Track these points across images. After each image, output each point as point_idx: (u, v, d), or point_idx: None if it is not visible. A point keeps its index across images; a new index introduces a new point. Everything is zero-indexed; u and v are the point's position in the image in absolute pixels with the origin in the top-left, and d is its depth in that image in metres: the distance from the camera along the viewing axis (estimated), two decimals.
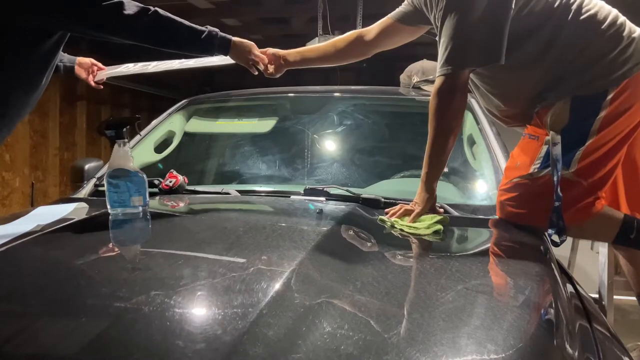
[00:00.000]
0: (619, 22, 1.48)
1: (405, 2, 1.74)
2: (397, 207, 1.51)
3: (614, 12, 1.50)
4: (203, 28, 1.72)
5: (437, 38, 1.53)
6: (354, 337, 0.74)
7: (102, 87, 2.13)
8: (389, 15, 1.80)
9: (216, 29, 1.74)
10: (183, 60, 2.16)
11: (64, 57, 2.04)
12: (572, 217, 1.48)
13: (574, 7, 1.47)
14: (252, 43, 1.85)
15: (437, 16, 1.52)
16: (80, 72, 2.09)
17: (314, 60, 1.92)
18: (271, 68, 1.90)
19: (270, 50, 1.91)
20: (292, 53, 1.91)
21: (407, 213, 1.47)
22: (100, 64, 2.13)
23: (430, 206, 1.49)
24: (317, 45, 1.97)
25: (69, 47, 2.00)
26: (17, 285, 0.96)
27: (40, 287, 0.92)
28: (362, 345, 0.72)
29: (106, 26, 1.60)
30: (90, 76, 2.10)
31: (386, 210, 1.52)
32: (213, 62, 2.06)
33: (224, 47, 1.76)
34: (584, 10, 1.47)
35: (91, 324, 0.78)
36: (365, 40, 1.83)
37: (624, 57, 1.44)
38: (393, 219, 1.44)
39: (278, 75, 1.92)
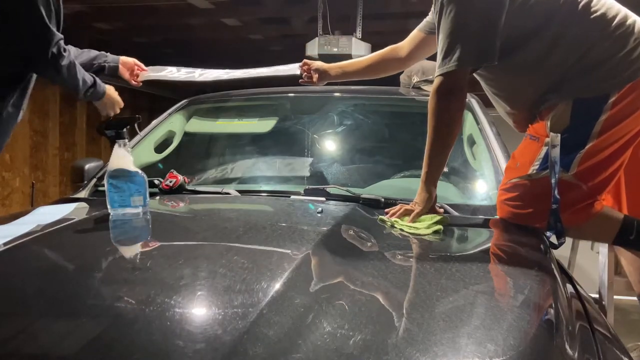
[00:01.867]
0: (627, 22, 1.45)
1: (431, 11, 1.76)
2: (397, 207, 1.51)
3: (623, 12, 1.48)
4: (92, 78, 1.95)
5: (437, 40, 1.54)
6: (354, 337, 0.74)
7: (141, 84, 2.21)
8: (417, 28, 1.87)
9: (98, 80, 1.98)
10: (229, 70, 2.25)
11: (107, 57, 2.12)
12: (571, 218, 1.48)
13: (581, 5, 1.46)
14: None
15: (435, 19, 1.53)
16: (124, 72, 2.17)
17: (353, 74, 2.03)
18: (315, 78, 2.04)
19: (315, 64, 2.05)
20: (334, 67, 2.04)
21: (407, 213, 1.47)
22: (142, 65, 2.20)
23: (430, 206, 1.49)
24: (356, 60, 2.07)
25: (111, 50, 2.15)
26: (17, 285, 0.96)
27: (40, 287, 0.92)
28: (362, 345, 0.72)
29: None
30: (133, 76, 2.18)
31: (386, 210, 1.52)
32: (263, 73, 2.20)
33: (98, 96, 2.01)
34: (592, 9, 1.45)
35: (91, 324, 0.78)
36: (401, 56, 1.92)
37: (630, 59, 1.42)
38: (393, 219, 1.44)
39: (321, 85, 2.08)
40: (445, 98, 1.47)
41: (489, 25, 1.43)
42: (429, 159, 1.50)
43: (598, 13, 1.45)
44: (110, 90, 2.03)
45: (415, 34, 1.87)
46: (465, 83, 1.51)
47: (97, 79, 1.98)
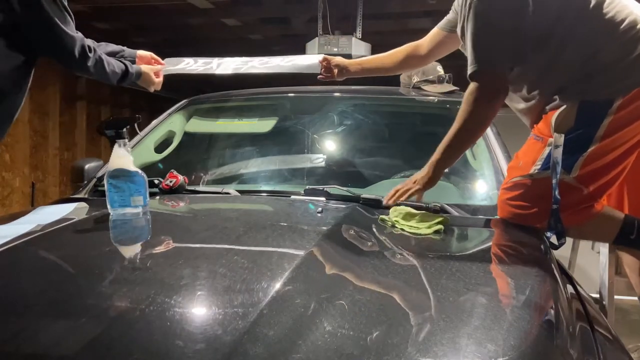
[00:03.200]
0: (638, 26, 1.43)
1: (451, 10, 1.78)
2: (392, 192, 1.55)
3: (634, 15, 1.45)
4: (123, 66, 1.98)
5: (462, 44, 1.57)
6: (354, 337, 0.74)
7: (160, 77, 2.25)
8: (437, 26, 1.87)
9: (129, 66, 2.03)
10: (247, 59, 2.26)
11: (124, 52, 2.14)
12: (571, 218, 1.47)
13: (592, 6, 1.45)
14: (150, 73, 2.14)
15: (464, 23, 1.54)
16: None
17: (372, 71, 2.05)
18: (335, 73, 2.06)
19: (335, 60, 2.06)
20: (353, 63, 2.07)
21: (404, 193, 1.52)
22: (159, 58, 2.24)
23: (429, 188, 1.51)
24: (375, 57, 2.09)
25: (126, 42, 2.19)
26: (17, 285, 0.96)
27: (40, 287, 0.92)
28: (362, 345, 0.72)
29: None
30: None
31: (385, 198, 1.56)
32: (282, 68, 2.21)
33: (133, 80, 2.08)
34: (603, 11, 1.44)
35: (91, 324, 0.78)
36: (420, 53, 1.93)
37: (635, 66, 1.41)
38: (394, 218, 1.44)
39: (340, 80, 2.09)
40: (485, 99, 1.49)
41: (516, 27, 1.45)
42: (449, 147, 1.51)
43: (608, 16, 1.44)
44: (146, 72, 2.06)
45: (435, 32, 1.87)
46: (506, 85, 1.51)
47: (129, 65, 2.00)
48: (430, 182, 1.51)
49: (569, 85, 1.47)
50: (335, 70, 2.05)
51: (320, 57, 2.10)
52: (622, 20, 1.44)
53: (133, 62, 2.15)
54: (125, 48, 2.16)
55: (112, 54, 2.10)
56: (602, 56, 1.44)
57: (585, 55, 1.44)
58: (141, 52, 2.19)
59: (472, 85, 1.50)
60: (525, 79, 1.56)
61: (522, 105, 1.62)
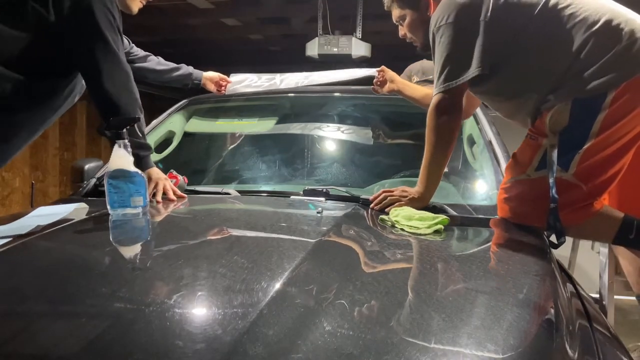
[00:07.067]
0: (615, 22, 1.44)
1: None
2: (381, 195, 1.61)
3: (613, 11, 1.46)
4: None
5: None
6: (354, 337, 0.74)
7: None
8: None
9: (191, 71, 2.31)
10: (308, 74, 2.42)
11: (193, 73, 2.31)
12: (571, 217, 1.47)
13: (564, 8, 1.47)
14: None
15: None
16: (209, 85, 2.38)
17: (414, 99, 2.08)
18: (387, 85, 2.11)
19: (390, 73, 2.12)
20: (404, 83, 2.13)
21: (390, 203, 1.57)
22: (225, 77, 2.42)
23: (418, 207, 1.54)
24: (423, 89, 2.12)
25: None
26: (17, 285, 0.96)
27: (40, 287, 0.92)
28: (362, 345, 0.72)
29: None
30: (217, 86, 2.41)
31: (371, 198, 1.62)
32: (340, 77, 2.38)
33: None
34: (577, 11, 1.46)
35: (91, 324, 0.78)
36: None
37: (623, 58, 1.42)
38: (394, 218, 1.44)
39: (386, 93, 2.15)
40: (441, 115, 1.56)
41: (467, 47, 1.52)
42: (427, 167, 1.59)
43: (582, 15, 1.45)
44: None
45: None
46: (460, 101, 1.60)
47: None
48: (419, 201, 1.58)
49: (561, 85, 1.47)
50: (389, 84, 2.09)
51: (379, 68, 2.16)
52: (601, 17, 1.45)
53: (199, 84, 2.33)
54: (192, 70, 2.30)
55: (180, 77, 2.27)
56: (588, 53, 1.44)
57: (570, 54, 1.45)
58: (207, 74, 2.34)
59: (431, 104, 1.59)
60: (516, 83, 1.57)
61: (515, 107, 1.63)
